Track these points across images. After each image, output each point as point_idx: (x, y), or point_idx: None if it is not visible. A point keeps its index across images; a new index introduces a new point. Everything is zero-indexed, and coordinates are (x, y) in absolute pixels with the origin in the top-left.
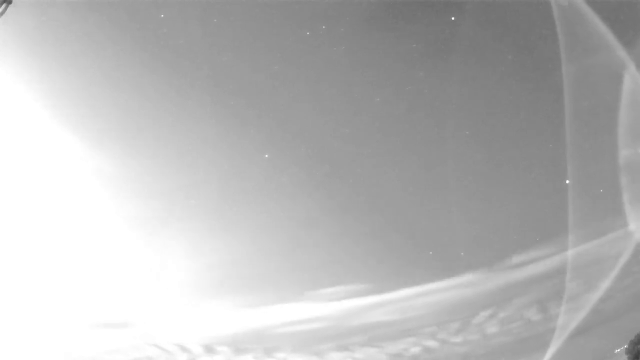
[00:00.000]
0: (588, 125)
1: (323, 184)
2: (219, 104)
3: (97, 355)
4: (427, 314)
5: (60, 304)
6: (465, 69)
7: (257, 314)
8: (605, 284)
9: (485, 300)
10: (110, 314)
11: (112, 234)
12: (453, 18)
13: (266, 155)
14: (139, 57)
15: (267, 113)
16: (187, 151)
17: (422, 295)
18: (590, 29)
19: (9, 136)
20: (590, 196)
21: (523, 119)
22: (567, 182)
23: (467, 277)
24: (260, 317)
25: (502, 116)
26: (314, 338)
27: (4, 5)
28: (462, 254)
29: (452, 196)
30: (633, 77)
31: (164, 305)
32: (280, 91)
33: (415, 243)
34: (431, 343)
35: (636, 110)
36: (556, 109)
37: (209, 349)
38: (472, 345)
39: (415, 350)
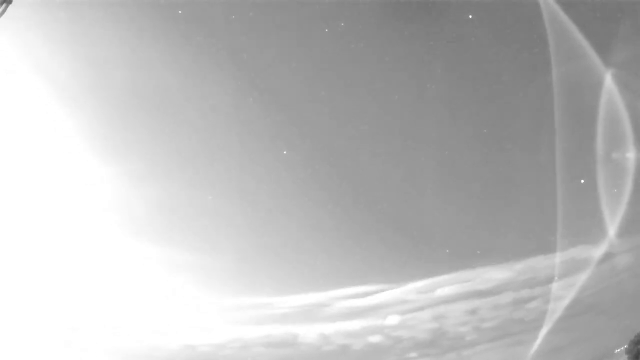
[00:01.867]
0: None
1: (338, 181)
2: (237, 101)
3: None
4: None
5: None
6: (480, 68)
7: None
8: (581, 283)
9: None
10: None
11: (125, 235)
12: (470, 16)
13: (285, 152)
14: (155, 56)
15: (285, 110)
16: (203, 147)
17: None
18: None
19: (9, 135)
20: (580, 198)
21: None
22: (582, 181)
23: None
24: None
25: (517, 116)
26: None
27: (4, 5)
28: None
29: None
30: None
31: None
32: (298, 88)
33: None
34: None
35: (617, 115)
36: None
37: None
38: None
39: None
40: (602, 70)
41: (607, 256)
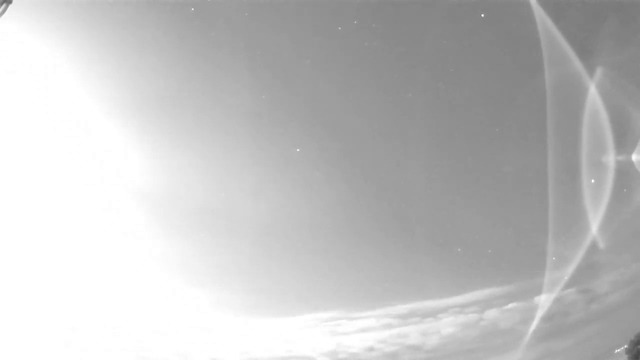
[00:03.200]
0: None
1: (354, 181)
2: (250, 98)
3: None
4: None
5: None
6: (493, 68)
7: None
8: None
9: None
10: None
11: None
12: (483, 15)
13: (297, 150)
14: (167, 54)
15: (298, 107)
16: (214, 144)
17: None
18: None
19: (8, 138)
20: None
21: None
22: (593, 181)
23: None
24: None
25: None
26: None
27: (4, 5)
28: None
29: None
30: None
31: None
32: (311, 86)
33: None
34: None
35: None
36: None
37: None
38: None
39: None
40: (591, 74)
41: (593, 256)
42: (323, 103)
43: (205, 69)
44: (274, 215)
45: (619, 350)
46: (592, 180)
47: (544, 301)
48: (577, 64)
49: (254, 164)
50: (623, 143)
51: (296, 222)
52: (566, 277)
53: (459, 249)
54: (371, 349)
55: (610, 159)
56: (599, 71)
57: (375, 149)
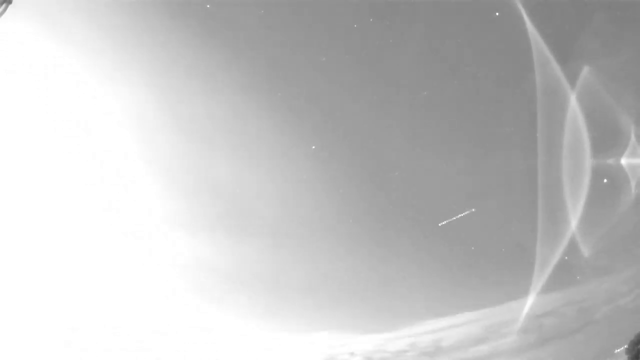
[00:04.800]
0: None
1: (369, 180)
2: (266, 95)
3: None
4: None
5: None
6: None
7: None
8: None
9: None
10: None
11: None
12: (497, 14)
13: (313, 147)
14: (180, 52)
15: (313, 105)
16: (228, 141)
17: None
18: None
19: (8, 138)
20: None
21: None
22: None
23: None
24: None
25: None
26: None
27: (4, 5)
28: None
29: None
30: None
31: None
32: (327, 83)
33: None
34: None
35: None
36: None
37: None
38: None
39: None
40: (578, 77)
41: (585, 259)
42: (338, 101)
43: (219, 68)
44: (287, 213)
45: (618, 350)
46: (605, 180)
47: (538, 301)
48: (565, 66)
49: (268, 161)
50: (612, 146)
51: (309, 221)
52: (559, 279)
53: (473, 248)
54: None
55: (600, 162)
56: (587, 73)
57: (390, 146)
